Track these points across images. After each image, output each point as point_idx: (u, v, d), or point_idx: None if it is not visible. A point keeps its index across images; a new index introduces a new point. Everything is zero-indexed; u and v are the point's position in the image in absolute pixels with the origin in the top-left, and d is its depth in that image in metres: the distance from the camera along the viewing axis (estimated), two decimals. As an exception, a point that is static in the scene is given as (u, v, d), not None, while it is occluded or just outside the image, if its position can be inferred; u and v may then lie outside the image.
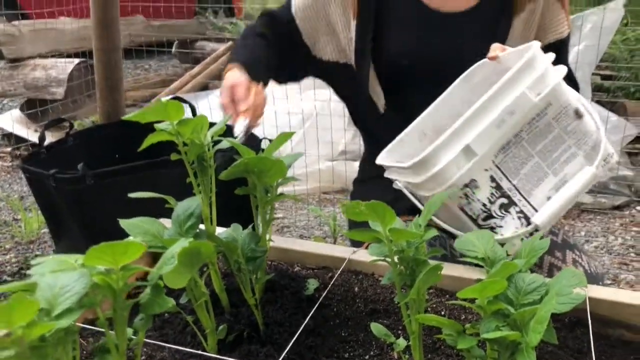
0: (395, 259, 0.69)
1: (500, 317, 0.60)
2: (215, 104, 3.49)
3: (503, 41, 1.12)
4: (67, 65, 3.54)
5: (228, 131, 0.95)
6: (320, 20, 1.23)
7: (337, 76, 1.27)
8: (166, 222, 0.84)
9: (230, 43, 5.13)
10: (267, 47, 1.22)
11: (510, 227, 0.88)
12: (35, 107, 3.54)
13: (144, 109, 0.76)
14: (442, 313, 0.82)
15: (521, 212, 0.88)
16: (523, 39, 1.16)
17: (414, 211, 1.14)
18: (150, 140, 0.81)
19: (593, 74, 3.69)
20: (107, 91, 1.94)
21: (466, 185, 0.85)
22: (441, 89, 1.03)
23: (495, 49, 0.98)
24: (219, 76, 4.76)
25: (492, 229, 0.88)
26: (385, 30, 1.18)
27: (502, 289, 0.59)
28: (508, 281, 0.62)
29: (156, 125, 0.81)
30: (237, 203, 1.00)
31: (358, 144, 2.97)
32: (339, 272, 0.91)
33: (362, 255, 0.93)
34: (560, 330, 0.77)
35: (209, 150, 0.81)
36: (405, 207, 1.17)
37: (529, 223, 0.87)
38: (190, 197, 0.78)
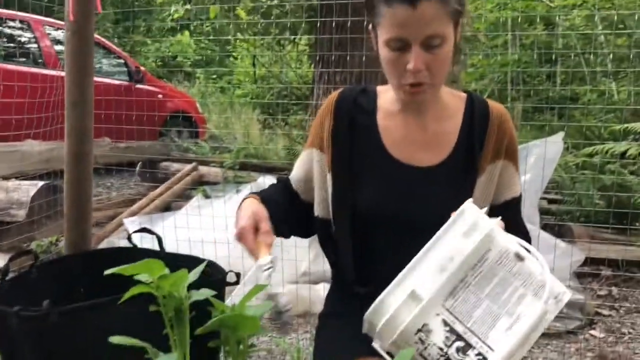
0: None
1: None
2: (180, 223, 3.52)
3: (467, 198, 1.23)
4: (30, 187, 3.55)
5: (204, 281, 0.99)
6: (310, 180, 1.33)
7: (321, 232, 1.35)
8: None
9: (194, 164, 5.26)
10: (289, 201, 1.32)
11: None
12: (-7, 229, 3.50)
13: (129, 266, 0.81)
14: None
15: (480, 354, 0.91)
16: (484, 197, 1.25)
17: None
18: (131, 293, 0.86)
19: (540, 198, 3.93)
20: (75, 222, 1.96)
21: (419, 330, 0.90)
22: (409, 241, 1.08)
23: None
24: (183, 196, 4.83)
25: None
26: (357, 184, 1.26)
27: None
28: None
29: (137, 277, 0.86)
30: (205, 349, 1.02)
31: (321, 265, 3.01)
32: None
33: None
34: None
35: (185, 303, 0.85)
36: (370, 348, 1.21)
37: None
38: (168, 354, 0.81)
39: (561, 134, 3.51)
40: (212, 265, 1.76)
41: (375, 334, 0.95)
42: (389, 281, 0.96)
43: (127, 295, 0.83)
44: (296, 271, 3.17)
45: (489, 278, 0.94)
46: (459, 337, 0.91)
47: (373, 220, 1.25)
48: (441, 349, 0.91)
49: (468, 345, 0.91)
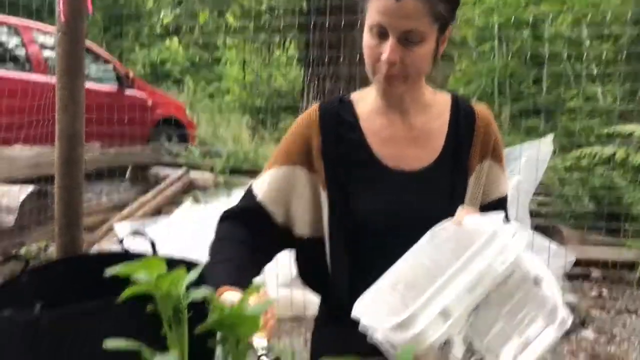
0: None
1: None
2: (172, 228, 3.50)
3: (462, 199, 1.22)
4: (20, 193, 3.51)
5: (199, 284, 0.98)
6: (289, 199, 1.27)
7: (309, 251, 1.31)
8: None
9: (184, 169, 5.24)
10: (245, 249, 1.24)
11: None
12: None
13: (129, 264, 0.80)
14: None
15: None
16: (473, 197, 1.26)
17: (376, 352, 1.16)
18: (129, 292, 0.84)
19: (531, 200, 3.96)
20: (66, 227, 1.95)
21: (444, 345, 0.91)
22: (405, 247, 1.08)
23: (461, 214, 1.07)
24: (172, 201, 4.81)
25: None
26: (352, 195, 1.24)
27: None
28: None
29: (134, 277, 0.85)
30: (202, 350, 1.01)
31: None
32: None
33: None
34: None
35: (184, 302, 0.84)
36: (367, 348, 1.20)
37: None
38: (165, 353, 0.79)
39: (551, 136, 3.54)
40: (206, 268, 1.74)
41: (394, 342, 0.96)
42: None
43: (125, 294, 0.82)
44: (290, 274, 3.16)
45: (508, 299, 0.96)
46: (474, 353, 0.94)
47: (369, 231, 1.24)
48: None
49: None
